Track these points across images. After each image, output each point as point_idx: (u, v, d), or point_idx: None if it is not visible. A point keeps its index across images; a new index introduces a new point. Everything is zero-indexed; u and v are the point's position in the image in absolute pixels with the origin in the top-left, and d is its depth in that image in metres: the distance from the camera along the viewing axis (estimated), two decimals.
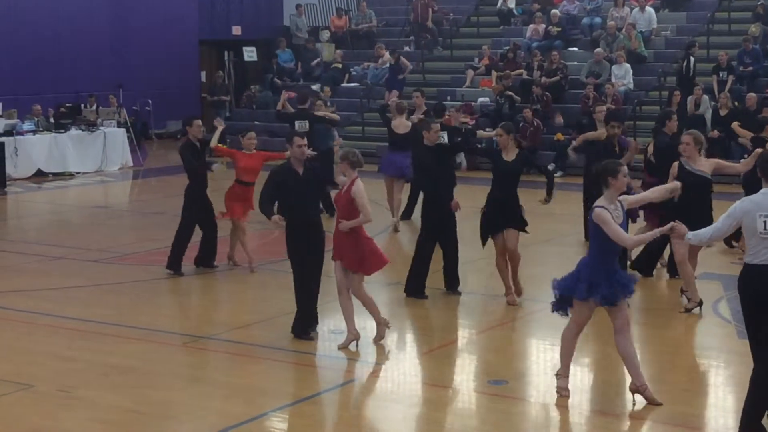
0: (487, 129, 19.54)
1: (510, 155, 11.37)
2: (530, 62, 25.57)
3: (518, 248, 11.55)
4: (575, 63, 25.50)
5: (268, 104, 28.04)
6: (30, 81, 25.70)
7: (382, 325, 10.11)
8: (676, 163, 11.14)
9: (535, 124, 22.96)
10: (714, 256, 13.60)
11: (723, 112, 21.30)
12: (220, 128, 14.04)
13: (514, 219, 11.47)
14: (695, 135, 11.12)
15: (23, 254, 14.62)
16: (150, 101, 28.59)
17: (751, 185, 7.90)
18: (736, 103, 21.68)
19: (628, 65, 24.22)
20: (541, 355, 10.19)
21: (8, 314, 11.33)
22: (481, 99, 25.19)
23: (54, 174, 22.40)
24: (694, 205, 10.56)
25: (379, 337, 10.09)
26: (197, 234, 13.32)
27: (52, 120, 23.44)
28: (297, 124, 16.68)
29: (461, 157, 22.14)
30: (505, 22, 28.66)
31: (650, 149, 12.90)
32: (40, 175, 22.21)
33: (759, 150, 10.88)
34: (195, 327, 11.13)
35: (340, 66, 28.07)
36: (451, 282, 11.99)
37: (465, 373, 9.68)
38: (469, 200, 12.27)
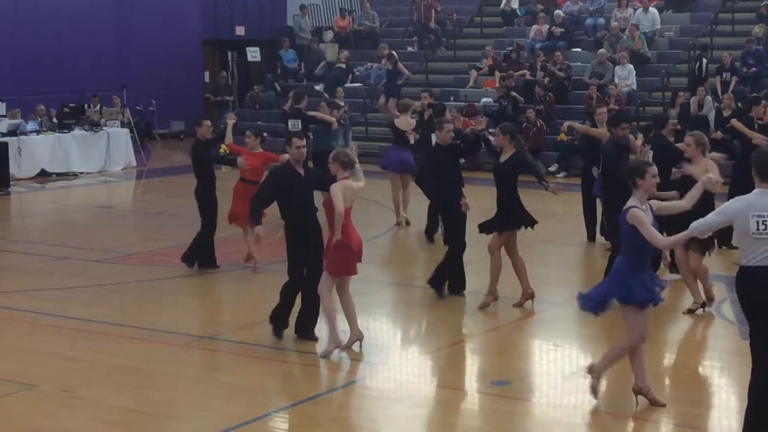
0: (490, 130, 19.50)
1: (505, 156, 11.35)
2: (533, 63, 25.57)
3: (520, 251, 11.51)
4: (578, 64, 25.49)
5: (271, 104, 28.06)
6: (34, 81, 25.71)
7: (336, 333, 9.82)
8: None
9: (538, 124, 22.95)
10: (716, 256, 13.57)
11: (726, 113, 21.24)
12: (231, 122, 14.03)
13: (510, 220, 11.38)
14: (697, 136, 10.94)
15: (26, 254, 14.64)
16: (153, 101, 28.61)
17: (740, 178, 7.74)
18: (739, 104, 21.65)
19: (631, 66, 24.21)
20: (544, 356, 10.18)
21: (11, 314, 11.34)
22: (484, 99, 25.19)
23: (57, 174, 22.41)
24: (695, 207, 10.39)
25: (326, 353, 9.77)
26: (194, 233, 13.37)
27: (55, 120, 23.45)
28: (290, 123, 16.79)
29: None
30: (509, 23, 28.65)
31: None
32: (43, 175, 22.23)
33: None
34: (198, 327, 11.13)
35: (343, 66, 28.07)
36: (455, 284, 11.95)
37: (468, 373, 9.68)
38: (472, 200, 12.24)
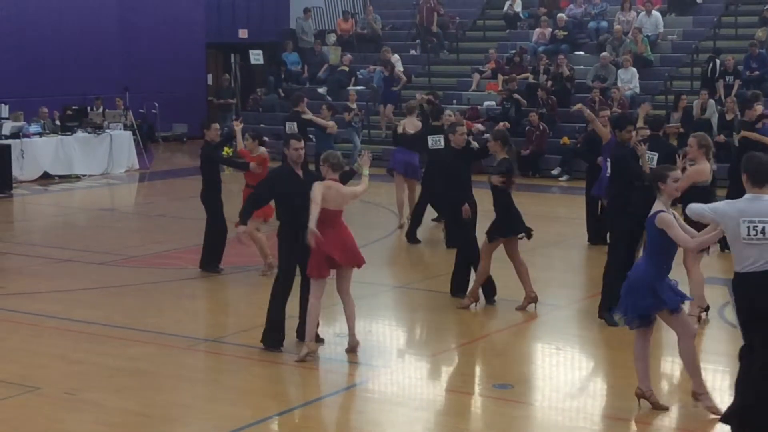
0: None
1: (496, 162, 11.37)
2: (536, 66, 25.58)
3: (521, 254, 11.51)
4: (581, 67, 25.49)
5: (274, 107, 28.09)
6: (36, 83, 25.74)
7: (313, 343, 9.77)
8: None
9: (541, 128, 22.96)
10: (718, 260, 13.58)
11: (729, 117, 21.26)
12: (239, 128, 14.02)
13: (500, 226, 11.38)
14: (700, 137, 10.84)
15: (29, 256, 14.65)
16: (156, 104, 28.63)
17: (739, 182, 7.69)
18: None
19: (634, 69, 24.21)
20: (546, 359, 10.19)
21: (15, 316, 11.35)
22: (487, 103, 25.19)
23: (60, 176, 22.43)
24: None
25: (299, 358, 9.67)
26: (202, 237, 13.36)
27: (58, 122, 23.46)
28: (287, 126, 16.87)
29: None
30: (512, 26, 28.67)
31: None
32: (46, 178, 22.25)
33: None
34: (201, 330, 11.15)
35: (346, 69, 28.10)
36: (460, 286, 11.95)
37: (470, 376, 9.68)
38: (480, 204, 12.25)
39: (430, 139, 15.13)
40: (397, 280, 13.63)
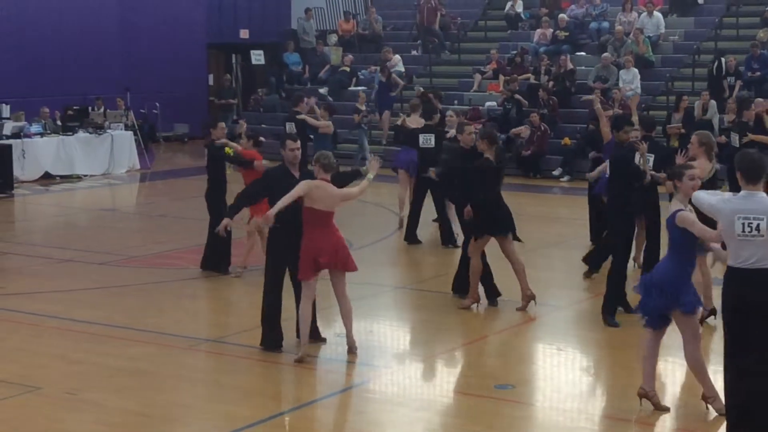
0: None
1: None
2: (537, 66, 25.58)
3: (518, 254, 11.48)
4: (583, 67, 25.48)
5: (275, 108, 28.09)
6: (38, 84, 25.75)
7: (307, 345, 9.74)
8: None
9: (542, 128, 22.95)
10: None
11: (730, 118, 21.24)
12: (244, 127, 14.03)
13: (489, 223, 11.36)
14: (701, 135, 10.67)
15: (30, 256, 14.64)
16: (157, 104, 28.62)
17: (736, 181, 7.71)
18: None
19: (635, 70, 24.19)
20: (548, 360, 10.18)
21: (15, 316, 11.35)
22: (488, 103, 25.18)
23: (61, 176, 22.43)
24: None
25: (297, 358, 9.64)
26: (202, 237, 13.36)
27: (59, 123, 23.47)
28: (287, 126, 16.88)
29: None
30: (513, 27, 28.66)
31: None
32: (47, 178, 22.25)
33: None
34: (202, 330, 11.14)
35: (347, 70, 28.09)
36: (461, 287, 11.93)
37: (471, 377, 9.67)
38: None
39: (421, 137, 15.19)
40: (398, 281, 13.62)
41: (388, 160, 18.77)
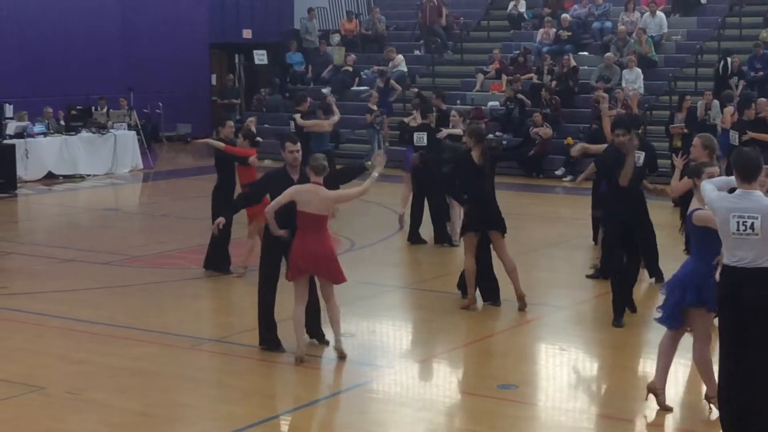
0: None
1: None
2: (540, 66, 25.57)
3: (510, 254, 11.45)
4: (585, 67, 25.48)
5: (278, 107, 28.10)
6: (41, 84, 25.79)
7: (301, 348, 9.66)
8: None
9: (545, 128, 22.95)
10: None
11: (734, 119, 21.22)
12: (253, 125, 14.03)
13: (475, 220, 11.35)
14: (704, 138, 10.35)
15: (33, 256, 14.66)
16: (160, 104, 28.65)
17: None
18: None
19: (638, 70, 24.19)
20: (551, 360, 10.18)
21: (18, 316, 11.36)
22: (491, 103, 25.19)
23: (64, 176, 22.46)
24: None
25: (296, 361, 9.62)
26: (205, 236, 13.36)
27: (62, 122, 23.50)
28: (291, 125, 16.89)
29: None
30: (516, 27, 28.66)
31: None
32: (50, 178, 22.28)
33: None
34: (205, 330, 11.14)
35: (350, 69, 28.10)
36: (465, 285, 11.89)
37: (474, 377, 9.67)
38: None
39: (416, 136, 15.25)
40: (401, 281, 13.62)
41: (398, 161, 18.75)
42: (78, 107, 23.99)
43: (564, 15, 27.07)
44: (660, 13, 26.16)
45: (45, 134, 22.55)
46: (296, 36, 30.87)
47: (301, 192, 9.39)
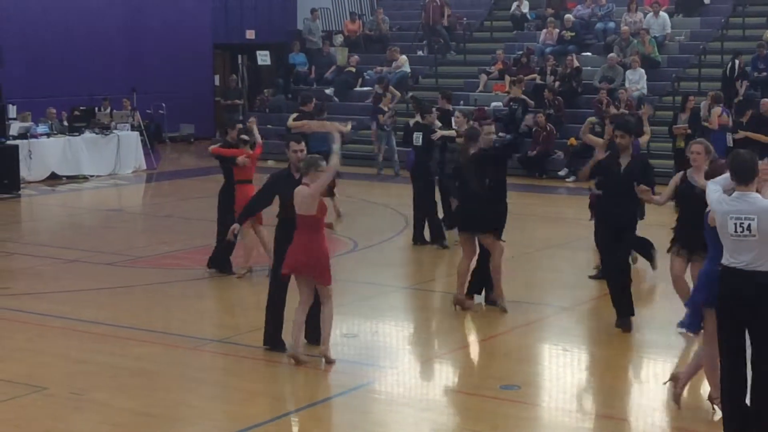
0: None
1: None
2: (543, 67, 25.56)
3: (499, 256, 11.38)
4: (589, 68, 25.47)
5: (281, 108, 28.10)
6: (44, 84, 25.80)
7: (295, 343, 9.64)
8: (678, 174, 10.31)
9: (548, 128, 22.94)
10: None
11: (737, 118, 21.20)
12: (254, 124, 14.04)
13: (456, 217, 11.34)
14: (707, 144, 10.18)
15: (36, 257, 14.66)
16: (163, 105, 28.66)
17: None
18: (750, 111, 21.59)
19: (642, 70, 24.18)
20: (553, 360, 10.17)
21: (21, 316, 11.37)
22: (494, 103, 25.16)
23: (68, 177, 22.46)
24: (693, 217, 10.12)
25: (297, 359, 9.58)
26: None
27: (66, 123, 23.51)
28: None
29: None
30: (519, 27, 28.65)
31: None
32: (54, 178, 22.28)
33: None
34: (207, 330, 11.14)
35: (353, 70, 28.10)
36: (475, 287, 11.83)
37: (476, 377, 9.67)
38: None
39: (414, 136, 15.30)
40: (404, 281, 13.62)
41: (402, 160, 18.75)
42: (81, 108, 24.00)
43: (567, 15, 27.05)
44: (663, 14, 26.15)
45: (48, 135, 22.55)
46: (299, 37, 30.87)
47: (295, 194, 9.42)
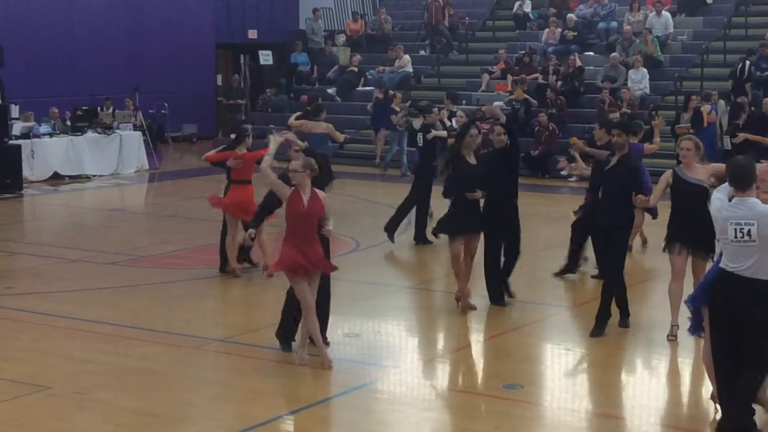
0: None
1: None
2: (546, 66, 25.57)
3: (473, 260, 11.40)
4: (591, 67, 25.47)
5: (283, 108, 28.10)
6: (47, 84, 25.81)
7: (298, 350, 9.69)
8: (669, 171, 10.34)
9: (551, 128, 22.94)
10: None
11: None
12: (276, 142, 14.00)
13: (444, 222, 11.40)
14: (697, 141, 10.37)
15: (39, 256, 14.67)
16: (166, 104, 28.65)
17: None
18: (752, 108, 21.61)
19: (644, 70, 24.18)
20: (556, 360, 10.18)
21: (25, 316, 11.38)
22: (496, 103, 25.07)
23: (70, 177, 22.47)
24: (690, 214, 9.97)
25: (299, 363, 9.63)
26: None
27: (68, 123, 23.51)
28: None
29: None
30: (521, 27, 28.65)
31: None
32: (56, 178, 22.29)
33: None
34: (210, 330, 11.15)
35: (356, 70, 28.11)
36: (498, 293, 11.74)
37: (479, 377, 9.68)
38: None
39: (417, 136, 15.41)
40: (406, 281, 13.63)
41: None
42: (84, 107, 24.00)
43: (569, 15, 27.05)
44: (666, 13, 26.15)
45: (51, 135, 22.56)
46: (302, 36, 30.89)
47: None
